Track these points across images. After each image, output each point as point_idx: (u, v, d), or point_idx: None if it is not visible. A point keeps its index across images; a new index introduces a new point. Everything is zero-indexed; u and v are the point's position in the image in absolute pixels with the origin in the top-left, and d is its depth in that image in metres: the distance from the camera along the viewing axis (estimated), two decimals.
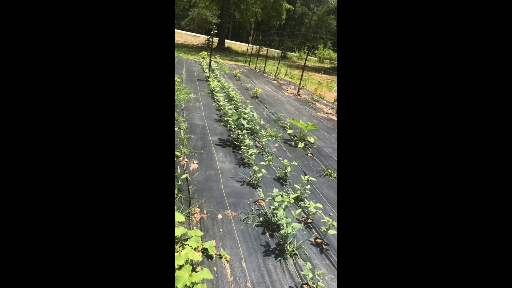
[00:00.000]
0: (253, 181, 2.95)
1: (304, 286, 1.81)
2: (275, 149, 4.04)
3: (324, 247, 2.21)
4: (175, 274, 1.51)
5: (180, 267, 1.61)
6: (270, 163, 3.47)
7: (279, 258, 2.00)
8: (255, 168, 2.96)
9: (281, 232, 2.04)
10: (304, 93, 9.09)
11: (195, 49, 17.60)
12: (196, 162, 3.19)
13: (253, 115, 4.29)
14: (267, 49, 13.74)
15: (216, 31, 8.11)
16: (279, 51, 19.44)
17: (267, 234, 2.22)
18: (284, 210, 2.18)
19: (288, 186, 3.05)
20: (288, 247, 2.08)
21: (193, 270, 1.71)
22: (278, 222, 2.24)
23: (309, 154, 4.07)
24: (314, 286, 1.76)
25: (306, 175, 2.83)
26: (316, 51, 24.37)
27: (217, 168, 3.12)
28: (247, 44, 20.44)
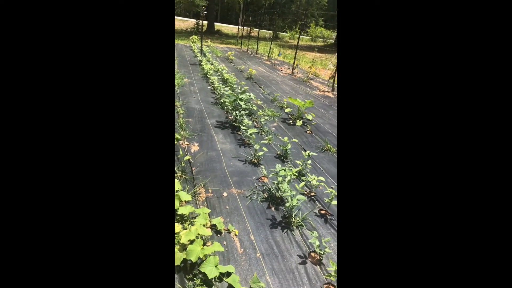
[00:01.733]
0: (255, 160, 2.98)
1: (311, 253, 1.88)
2: (273, 128, 4.05)
3: (328, 217, 2.28)
4: (188, 248, 1.56)
5: (192, 242, 1.66)
6: (270, 142, 3.49)
7: (286, 230, 2.06)
8: (256, 147, 2.98)
9: (286, 205, 2.08)
10: (299, 72, 8.99)
11: (184, 33, 17.10)
12: (197, 144, 3.19)
13: (249, 96, 4.26)
14: (258, 30, 13.38)
15: (205, 12, 7.85)
16: (271, 31, 18.95)
17: (272, 208, 2.28)
18: (288, 183, 2.22)
19: (289, 162, 3.08)
20: (293, 219, 2.14)
21: (204, 245, 1.76)
22: (283, 195, 2.29)
23: (308, 132, 4.09)
24: (322, 252, 1.83)
25: (306, 151, 2.86)
26: (308, 30, 23.83)
27: (218, 149, 3.14)
28: (237, 26, 19.90)
